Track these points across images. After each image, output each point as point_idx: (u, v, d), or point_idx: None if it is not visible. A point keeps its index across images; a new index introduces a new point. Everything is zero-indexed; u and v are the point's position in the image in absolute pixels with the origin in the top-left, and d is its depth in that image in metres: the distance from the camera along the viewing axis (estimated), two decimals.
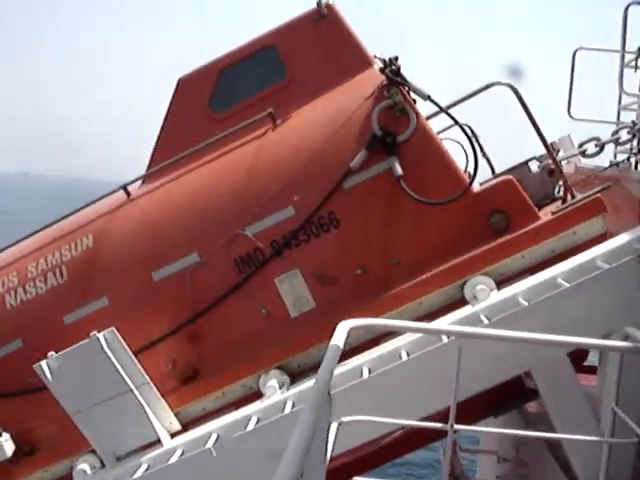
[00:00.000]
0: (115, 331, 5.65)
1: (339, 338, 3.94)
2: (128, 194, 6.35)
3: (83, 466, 5.94)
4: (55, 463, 6.17)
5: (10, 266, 6.47)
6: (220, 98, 6.40)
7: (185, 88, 6.49)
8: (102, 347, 5.57)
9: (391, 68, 5.77)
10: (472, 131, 6.10)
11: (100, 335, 5.59)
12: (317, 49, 6.33)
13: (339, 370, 5.05)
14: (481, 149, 6.78)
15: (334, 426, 3.95)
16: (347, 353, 4.88)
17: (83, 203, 6.53)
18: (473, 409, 5.82)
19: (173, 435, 5.86)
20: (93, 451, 5.96)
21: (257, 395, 5.86)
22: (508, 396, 6.34)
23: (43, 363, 5.64)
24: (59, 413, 5.95)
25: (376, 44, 6.75)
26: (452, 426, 4.15)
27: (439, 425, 4.31)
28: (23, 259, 6.42)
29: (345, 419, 4.11)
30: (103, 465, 5.95)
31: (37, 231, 6.63)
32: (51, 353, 5.67)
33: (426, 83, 6.20)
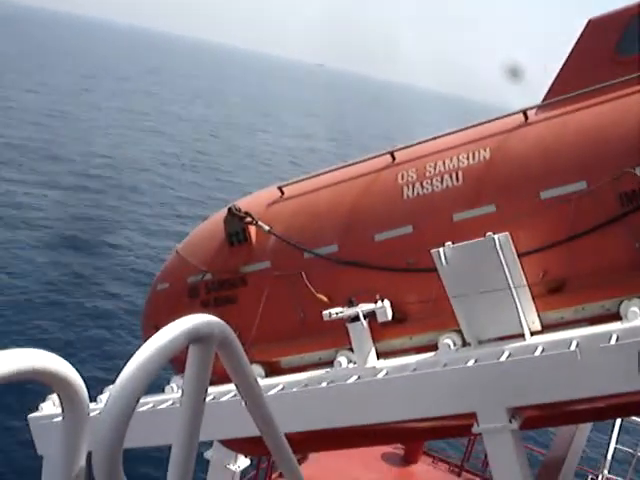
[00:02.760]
0: (508, 236, 6.54)
1: None
2: (526, 118, 7.11)
3: (447, 341, 7.02)
4: (420, 333, 7.35)
5: (409, 163, 7.57)
6: (628, 43, 6.86)
7: (594, 29, 7.02)
8: (495, 247, 6.50)
9: None
10: None
11: (496, 237, 6.51)
12: None
13: None
14: None
15: None
16: None
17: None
18: None
19: (533, 334, 6.74)
20: (457, 331, 7.04)
21: (613, 317, 6.53)
22: None
23: (440, 249, 6.69)
24: (432, 294, 7.08)
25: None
26: None
27: None
28: (422, 158, 7.48)
29: None
30: (464, 344, 7.02)
31: (436, 137, 7.64)
32: (448, 243, 6.69)
33: None
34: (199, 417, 2.22)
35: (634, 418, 10.79)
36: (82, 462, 2.02)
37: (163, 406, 8.02)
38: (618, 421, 10.73)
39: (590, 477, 14.31)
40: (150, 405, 8.14)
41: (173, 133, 70.63)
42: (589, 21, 7.09)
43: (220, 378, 6.58)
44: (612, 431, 10.49)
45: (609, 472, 10.35)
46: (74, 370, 1.91)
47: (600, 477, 11.09)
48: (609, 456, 10.24)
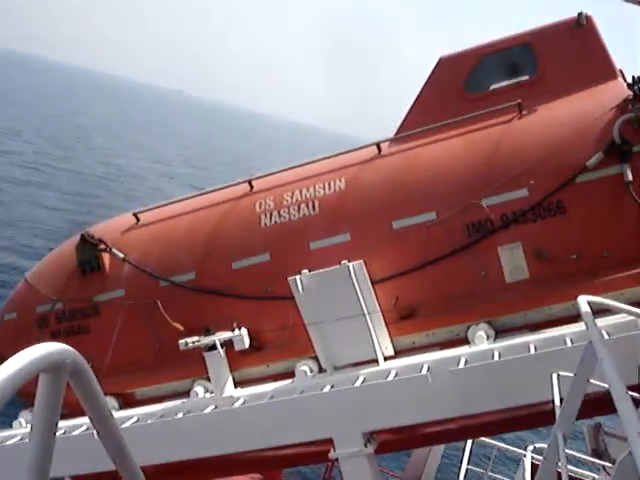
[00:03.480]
0: (363, 264, 6.73)
1: (585, 311, 4.17)
2: (380, 150, 7.38)
3: (304, 368, 7.10)
4: (277, 361, 7.38)
5: (267, 191, 7.64)
6: (475, 81, 7.33)
7: (444, 66, 7.44)
8: (350, 275, 6.66)
9: (639, 85, 6.56)
10: None
11: (350, 265, 6.68)
12: (569, 54, 7.14)
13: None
14: None
15: None
16: None
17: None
18: None
19: (386, 359, 6.94)
20: (314, 357, 7.13)
21: (461, 341, 6.86)
22: None
23: (297, 277, 6.78)
24: (289, 321, 7.15)
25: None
26: None
27: None
28: (280, 187, 7.57)
29: None
30: (320, 371, 7.12)
31: (293, 167, 7.76)
32: (304, 271, 6.79)
33: None
34: (50, 452, 2.11)
35: (483, 439, 11.28)
36: None
37: (10, 442, 7.55)
38: (469, 442, 11.18)
39: None
40: None
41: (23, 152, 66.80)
42: (440, 59, 7.50)
43: (72, 411, 6.34)
44: (464, 452, 10.93)
45: None
46: None
47: None
48: (461, 476, 10.66)
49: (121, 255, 8.03)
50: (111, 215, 9.47)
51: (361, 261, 6.75)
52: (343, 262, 6.71)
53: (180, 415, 7.05)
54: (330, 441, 6.44)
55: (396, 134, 7.51)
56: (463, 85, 7.34)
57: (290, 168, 7.79)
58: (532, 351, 6.09)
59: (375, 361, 6.84)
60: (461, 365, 6.34)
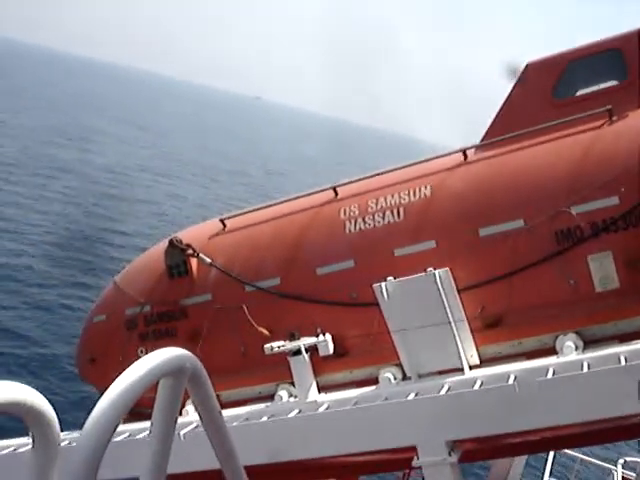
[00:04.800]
0: (449, 271, 6.70)
1: None
2: (465, 157, 7.34)
3: (388, 375, 7.11)
4: (361, 367, 7.42)
5: (351, 198, 7.70)
6: (563, 87, 7.20)
7: (533, 72, 7.34)
8: (436, 282, 6.64)
9: None
10: None
11: (436, 272, 6.66)
12: None
13: None
14: None
15: None
16: None
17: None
18: None
19: (471, 367, 6.88)
20: (397, 365, 7.13)
21: (549, 351, 6.74)
22: None
23: (382, 284, 6.80)
24: (373, 328, 7.17)
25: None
26: None
27: None
28: (365, 194, 7.62)
29: None
30: (404, 378, 7.11)
31: (377, 174, 7.80)
32: (389, 278, 6.82)
33: None
34: (167, 453, 2.21)
35: (566, 451, 11.05)
36: None
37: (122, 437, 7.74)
38: (551, 453, 10.99)
39: None
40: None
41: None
42: (527, 64, 7.41)
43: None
44: (545, 463, 10.74)
45: None
46: (46, 401, 1.88)
47: None
48: None
49: (208, 260, 8.22)
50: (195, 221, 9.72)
51: (447, 268, 6.71)
52: (429, 269, 6.69)
53: (265, 419, 7.15)
54: (413, 449, 6.42)
55: (482, 140, 7.45)
56: (551, 91, 7.23)
57: (375, 175, 7.83)
58: (622, 362, 5.93)
59: (460, 370, 6.78)
60: (549, 375, 6.22)
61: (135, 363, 2.08)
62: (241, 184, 74.42)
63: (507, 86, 7.62)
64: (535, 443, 7.18)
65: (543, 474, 10.79)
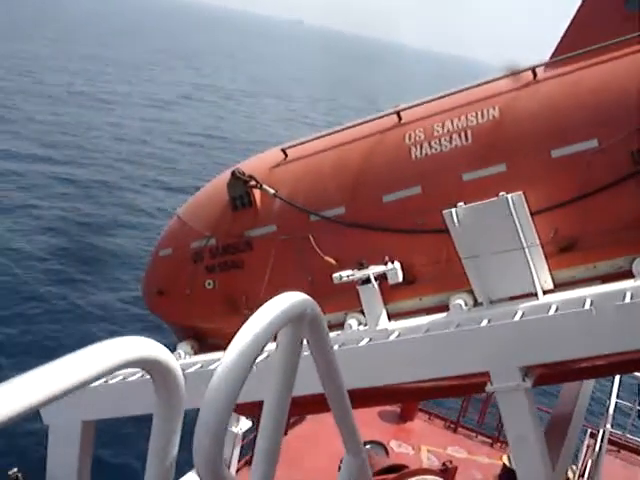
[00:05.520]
0: (522, 195, 6.51)
1: None
2: (535, 75, 7.02)
3: (459, 301, 7.02)
4: (431, 294, 7.35)
5: (416, 122, 7.48)
6: None
7: None
8: (509, 206, 6.47)
9: None
10: None
11: (509, 196, 6.48)
12: None
13: None
14: None
15: None
16: None
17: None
18: None
19: (545, 292, 6.76)
20: (468, 291, 7.04)
21: (624, 275, 6.55)
22: None
23: (453, 210, 6.65)
24: (443, 254, 7.07)
25: None
26: None
27: None
28: (430, 118, 7.39)
29: None
30: (475, 304, 7.03)
31: (441, 96, 7.54)
32: (460, 203, 6.66)
33: None
34: (288, 400, 2.20)
35: (636, 373, 10.95)
36: (175, 450, 1.97)
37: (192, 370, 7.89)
38: (617, 377, 10.89)
39: (589, 431, 14.62)
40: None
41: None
42: None
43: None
44: (612, 386, 10.65)
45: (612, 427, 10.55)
46: (171, 355, 1.84)
47: (601, 432, 11.30)
48: (611, 410, 10.40)
49: (271, 191, 8.14)
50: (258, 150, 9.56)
51: (520, 192, 6.52)
52: (501, 194, 6.51)
53: (336, 347, 7.18)
54: (486, 374, 6.40)
55: (551, 57, 7.10)
56: (624, 3, 6.81)
57: (438, 98, 7.57)
58: None
59: (533, 295, 6.66)
60: (627, 299, 6.07)
61: (259, 310, 2.03)
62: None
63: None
64: (609, 366, 7.08)
65: (609, 397, 10.72)
